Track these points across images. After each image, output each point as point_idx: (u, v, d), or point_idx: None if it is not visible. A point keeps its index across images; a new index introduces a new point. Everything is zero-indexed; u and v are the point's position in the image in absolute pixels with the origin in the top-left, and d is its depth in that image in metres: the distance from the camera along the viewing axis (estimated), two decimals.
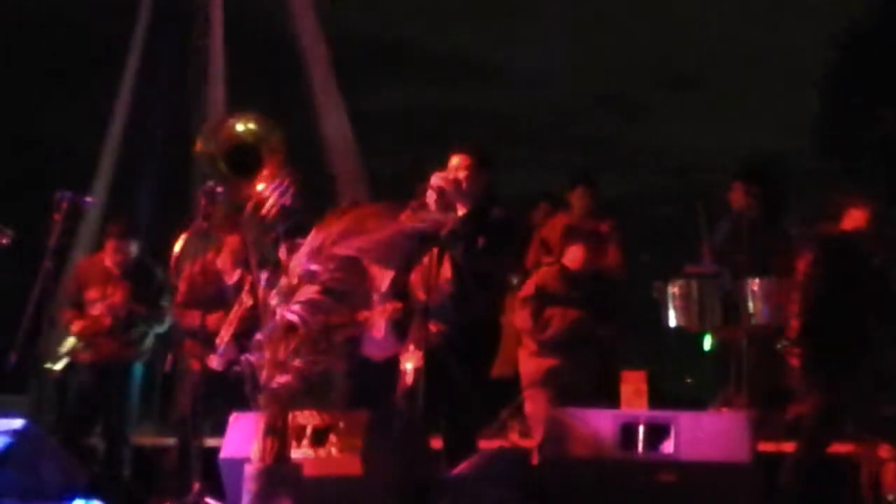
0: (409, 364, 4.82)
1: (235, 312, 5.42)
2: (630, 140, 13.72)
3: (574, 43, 12.75)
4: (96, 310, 5.79)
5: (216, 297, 5.56)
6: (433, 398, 4.65)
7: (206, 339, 5.36)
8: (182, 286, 5.65)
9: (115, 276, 5.84)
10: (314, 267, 4.17)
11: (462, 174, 4.75)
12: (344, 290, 4.18)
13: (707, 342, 6.05)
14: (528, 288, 5.67)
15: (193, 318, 5.53)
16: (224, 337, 5.36)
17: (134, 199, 8.07)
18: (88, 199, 5.83)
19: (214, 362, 5.28)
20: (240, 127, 4.64)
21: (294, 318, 4.12)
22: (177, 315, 5.73)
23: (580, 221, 6.27)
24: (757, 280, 5.74)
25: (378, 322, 4.72)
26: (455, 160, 4.81)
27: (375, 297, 4.44)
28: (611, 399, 5.43)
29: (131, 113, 8.45)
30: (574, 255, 5.63)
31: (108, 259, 5.89)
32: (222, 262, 5.73)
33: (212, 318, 5.46)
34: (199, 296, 5.58)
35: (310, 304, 4.13)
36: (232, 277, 5.69)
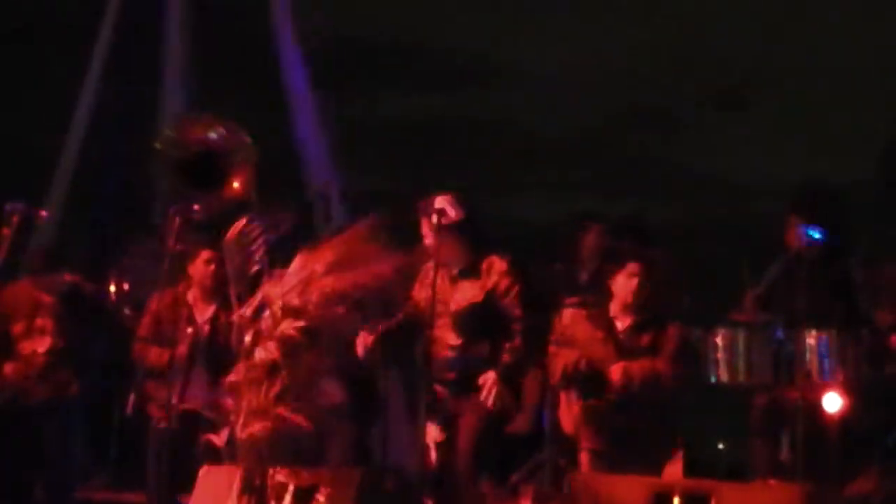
0: (433, 440, 5.00)
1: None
2: (670, 162, 13.77)
3: (608, 47, 12.83)
4: (25, 348, 5.79)
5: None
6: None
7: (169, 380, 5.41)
8: (146, 319, 5.72)
9: (46, 306, 5.84)
10: (299, 301, 4.22)
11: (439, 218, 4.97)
12: (329, 329, 4.22)
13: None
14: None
15: (158, 356, 5.58)
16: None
17: (93, 214, 8.13)
18: (43, 212, 5.88)
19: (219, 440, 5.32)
20: (210, 133, 4.73)
21: (271, 356, 4.17)
22: (139, 351, 5.76)
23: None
24: (814, 331, 5.76)
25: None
26: (438, 203, 4.99)
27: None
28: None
29: (94, 115, 8.53)
30: (626, 284, 5.35)
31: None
32: (193, 295, 5.78)
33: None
34: (165, 332, 5.61)
35: (289, 343, 4.17)
36: (204, 314, 5.73)
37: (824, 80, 12.13)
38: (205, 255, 5.79)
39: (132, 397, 5.58)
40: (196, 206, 4.96)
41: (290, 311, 4.26)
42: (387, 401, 5.98)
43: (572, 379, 5.27)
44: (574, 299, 6.19)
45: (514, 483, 6.02)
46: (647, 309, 5.36)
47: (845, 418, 5.46)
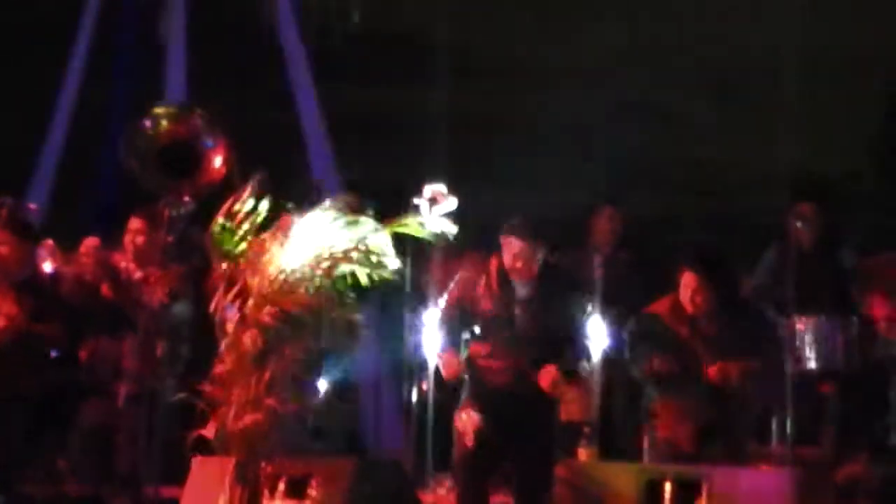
0: (467, 425, 5.09)
1: None
2: (662, 154, 13.89)
3: (604, 40, 12.94)
4: None
5: None
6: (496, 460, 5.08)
7: None
8: None
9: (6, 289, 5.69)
10: (280, 287, 4.28)
11: (520, 262, 5.22)
12: (313, 315, 4.29)
13: None
14: None
15: None
16: None
17: (79, 206, 8.21)
18: (32, 206, 5.97)
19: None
20: (164, 123, 4.82)
21: (257, 345, 4.23)
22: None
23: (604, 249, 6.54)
24: (804, 318, 5.89)
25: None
26: (513, 244, 5.15)
27: None
28: None
29: (77, 107, 8.60)
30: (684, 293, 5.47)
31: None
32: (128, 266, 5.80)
33: None
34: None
35: (273, 330, 4.24)
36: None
37: (815, 71, 12.26)
38: (135, 224, 5.87)
39: (122, 389, 5.66)
40: (186, 198, 5.06)
41: (272, 298, 4.32)
42: (380, 391, 6.09)
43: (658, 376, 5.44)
44: None
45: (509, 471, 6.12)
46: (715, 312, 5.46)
47: (835, 403, 5.60)
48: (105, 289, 5.78)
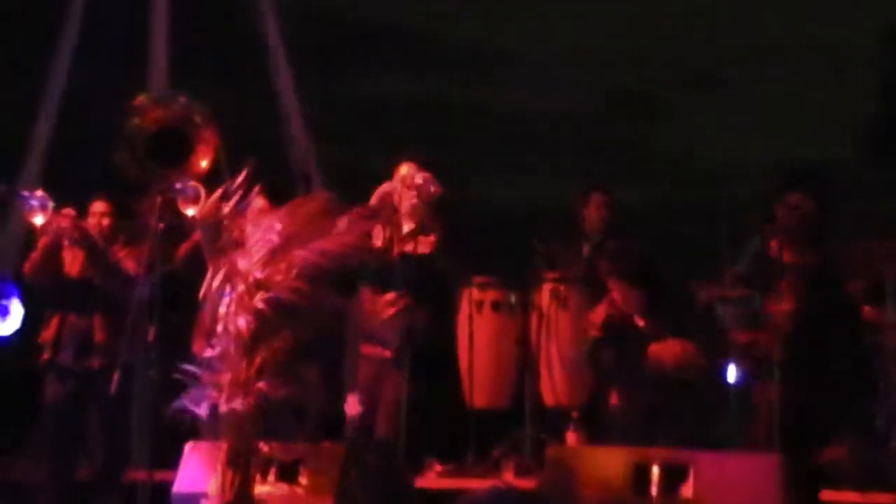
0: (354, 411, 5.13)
1: None
2: (651, 144, 13.97)
3: (589, 32, 13.00)
4: None
5: None
6: None
7: None
8: None
9: None
10: (269, 273, 4.34)
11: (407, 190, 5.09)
12: (302, 300, 4.35)
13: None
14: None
15: None
16: None
17: (70, 191, 8.23)
18: (24, 192, 6.00)
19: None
20: (153, 111, 4.85)
21: (245, 330, 4.29)
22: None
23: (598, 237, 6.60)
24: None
25: None
26: (404, 169, 5.11)
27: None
28: None
29: (67, 92, 8.61)
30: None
31: None
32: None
33: None
34: None
35: (264, 316, 4.29)
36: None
37: (802, 61, 12.33)
38: (98, 206, 5.90)
39: (115, 376, 5.68)
40: (177, 185, 5.10)
41: (261, 284, 4.35)
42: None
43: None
44: (553, 274, 6.38)
45: (496, 457, 6.19)
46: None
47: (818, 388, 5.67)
48: (70, 264, 5.82)
